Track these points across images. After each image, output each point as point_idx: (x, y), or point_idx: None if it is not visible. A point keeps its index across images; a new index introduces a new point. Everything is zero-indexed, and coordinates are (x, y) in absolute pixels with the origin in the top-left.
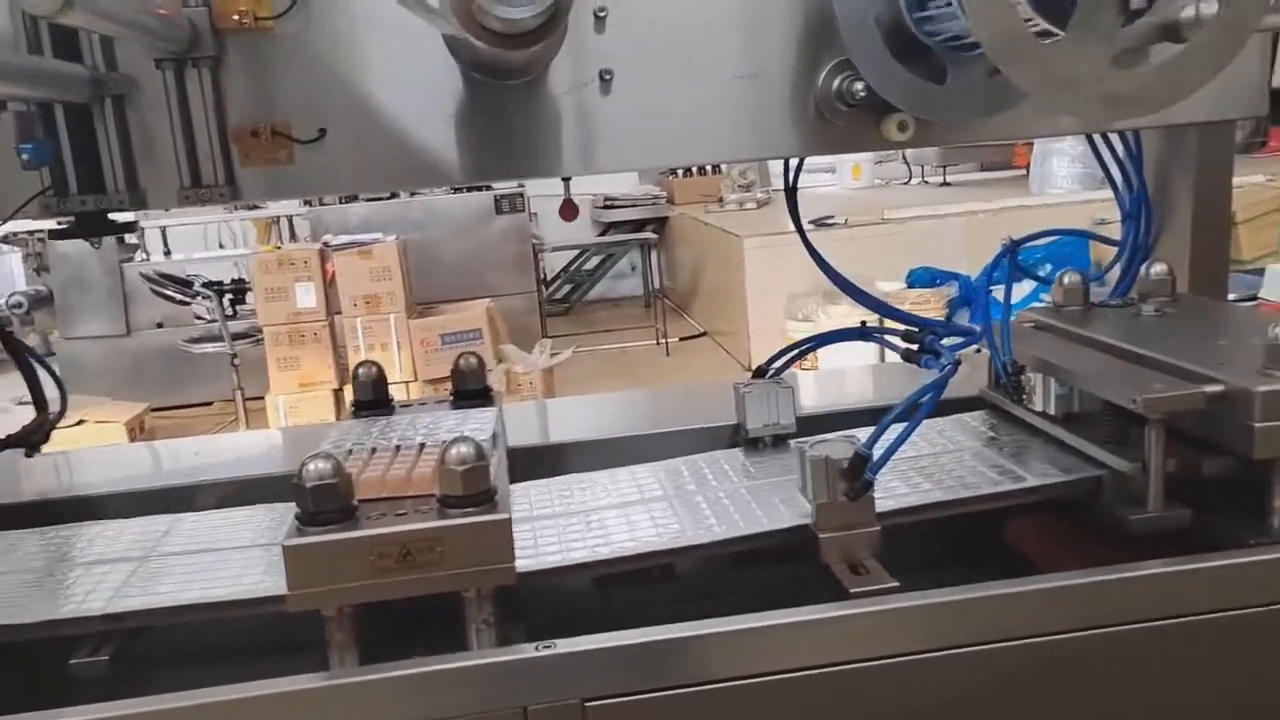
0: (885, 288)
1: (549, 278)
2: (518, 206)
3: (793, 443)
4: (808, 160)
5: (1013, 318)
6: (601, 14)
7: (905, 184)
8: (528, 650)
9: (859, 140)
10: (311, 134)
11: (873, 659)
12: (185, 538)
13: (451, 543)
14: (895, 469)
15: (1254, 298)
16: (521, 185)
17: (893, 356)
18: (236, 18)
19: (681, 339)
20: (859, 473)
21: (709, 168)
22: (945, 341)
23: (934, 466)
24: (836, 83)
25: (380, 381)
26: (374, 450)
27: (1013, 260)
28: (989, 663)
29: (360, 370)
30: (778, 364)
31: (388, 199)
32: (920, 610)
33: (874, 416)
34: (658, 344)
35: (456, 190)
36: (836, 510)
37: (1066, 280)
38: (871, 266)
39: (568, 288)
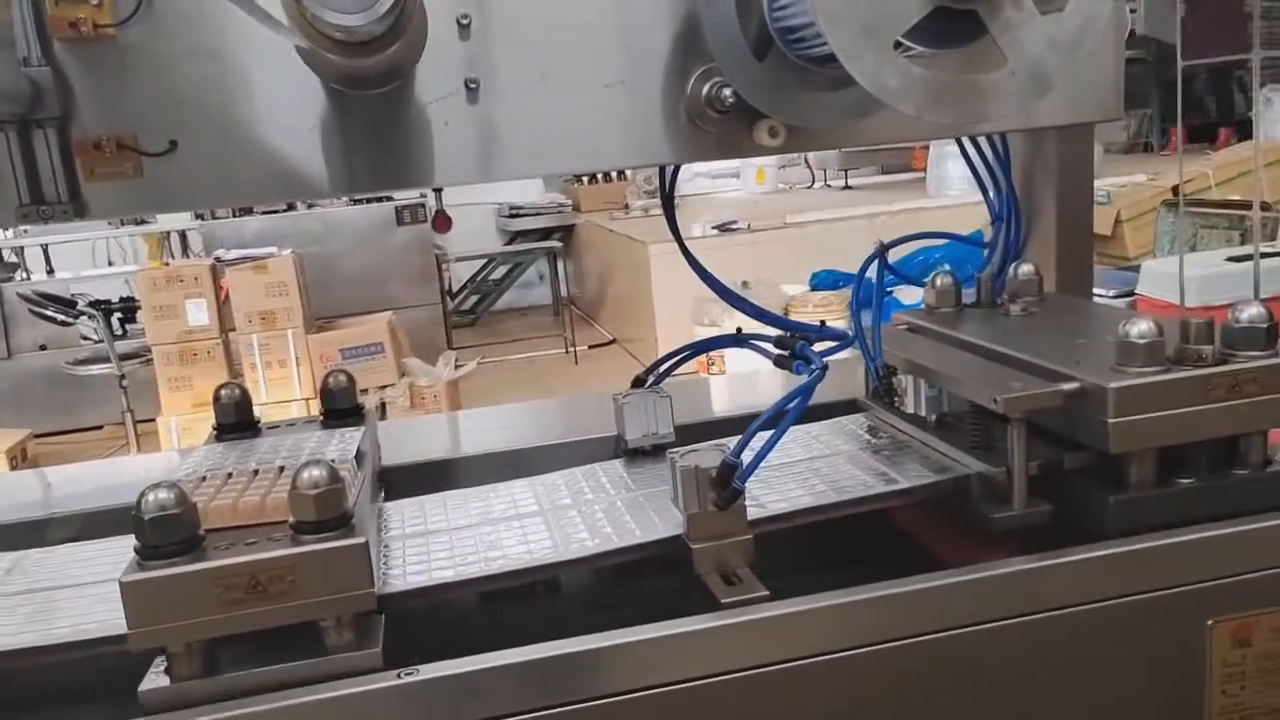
0: (790, 291)
1: (455, 288)
2: (420, 217)
3: (668, 453)
4: (714, 166)
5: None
6: (464, 21)
7: (808, 188)
8: (389, 678)
9: (732, 146)
10: (161, 146)
11: (746, 669)
12: (30, 575)
13: (304, 570)
14: (770, 475)
15: (1132, 293)
16: (423, 195)
17: None
18: (74, 25)
19: (590, 347)
20: (727, 481)
21: (614, 174)
22: (817, 346)
23: (809, 471)
24: (706, 89)
25: (244, 403)
26: (230, 475)
27: (882, 263)
28: (864, 666)
29: (222, 392)
30: (657, 373)
31: (284, 211)
32: (791, 618)
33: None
34: (566, 353)
35: (356, 201)
36: (707, 520)
37: (939, 283)
38: (776, 270)
39: (475, 298)
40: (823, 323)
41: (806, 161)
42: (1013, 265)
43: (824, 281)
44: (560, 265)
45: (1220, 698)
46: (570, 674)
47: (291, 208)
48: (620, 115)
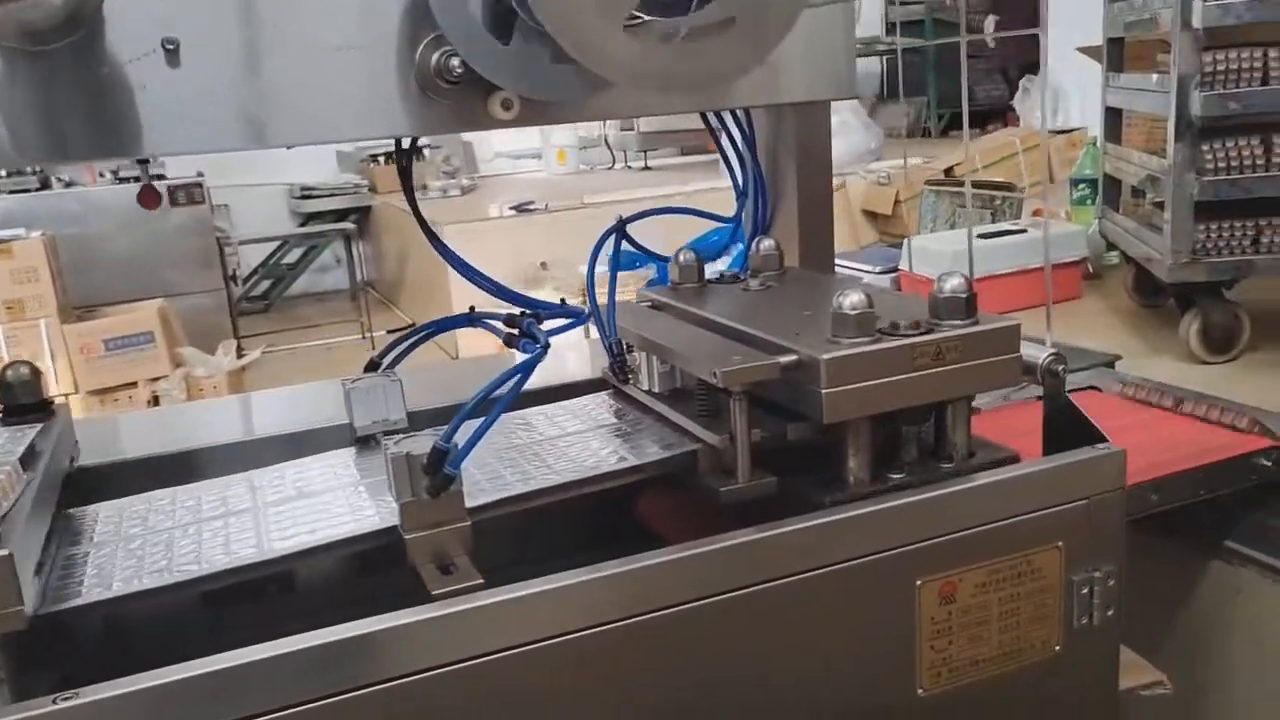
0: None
1: (246, 273)
2: (196, 198)
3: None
4: (515, 145)
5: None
6: None
7: (609, 169)
8: (44, 705)
9: (468, 118)
10: None
11: (463, 660)
12: None
13: None
14: (505, 456)
15: (896, 268)
16: (200, 174)
17: None
18: None
19: (389, 331)
20: (438, 467)
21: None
22: (546, 325)
23: (549, 451)
24: (435, 58)
25: None
26: None
27: (619, 238)
28: (584, 650)
29: None
30: (389, 357)
31: (35, 191)
32: (506, 605)
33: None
34: (364, 338)
35: (121, 180)
36: (422, 508)
37: (681, 259)
38: (573, 250)
39: (267, 283)
40: (563, 300)
41: (607, 143)
42: (755, 241)
43: (622, 262)
44: (357, 248)
45: (929, 653)
46: (255, 684)
47: (46, 186)
48: (347, 84)
